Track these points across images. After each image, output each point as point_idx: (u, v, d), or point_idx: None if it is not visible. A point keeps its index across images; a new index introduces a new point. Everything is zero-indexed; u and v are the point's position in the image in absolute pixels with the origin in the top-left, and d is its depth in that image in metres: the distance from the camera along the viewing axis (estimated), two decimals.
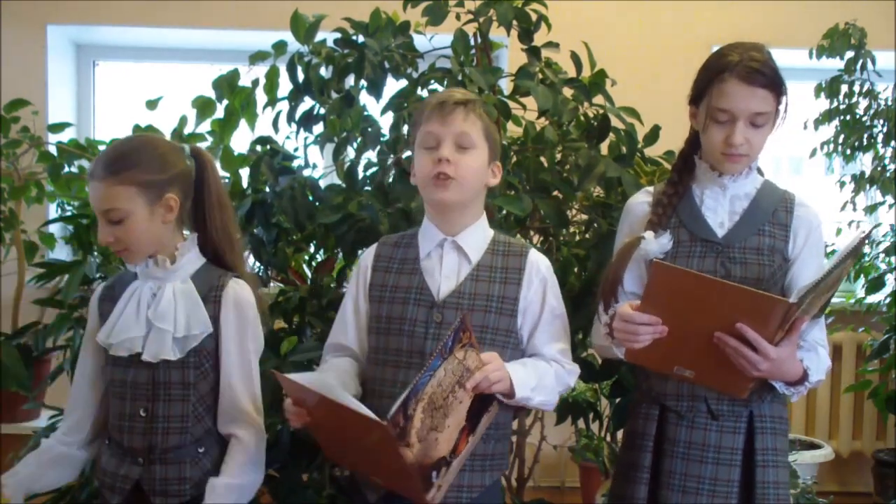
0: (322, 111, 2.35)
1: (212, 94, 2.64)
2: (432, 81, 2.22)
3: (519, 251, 1.72)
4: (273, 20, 3.40)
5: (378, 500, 1.66)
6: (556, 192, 2.21)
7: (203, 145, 2.71)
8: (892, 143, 3.36)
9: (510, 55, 3.03)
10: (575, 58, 2.25)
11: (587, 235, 2.31)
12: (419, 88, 2.23)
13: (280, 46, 2.48)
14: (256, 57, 2.47)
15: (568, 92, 2.21)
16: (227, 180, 2.55)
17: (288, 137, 2.42)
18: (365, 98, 2.30)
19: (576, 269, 2.19)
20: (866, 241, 2.92)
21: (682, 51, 3.65)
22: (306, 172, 2.38)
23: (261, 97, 2.61)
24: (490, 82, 2.12)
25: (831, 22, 3.34)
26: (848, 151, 3.42)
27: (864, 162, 3.46)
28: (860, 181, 3.44)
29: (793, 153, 4.12)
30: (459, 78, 2.14)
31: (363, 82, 2.24)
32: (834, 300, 1.95)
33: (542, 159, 2.21)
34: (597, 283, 1.90)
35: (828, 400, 3.96)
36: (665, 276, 1.57)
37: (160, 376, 1.62)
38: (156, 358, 1.61)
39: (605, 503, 2.90)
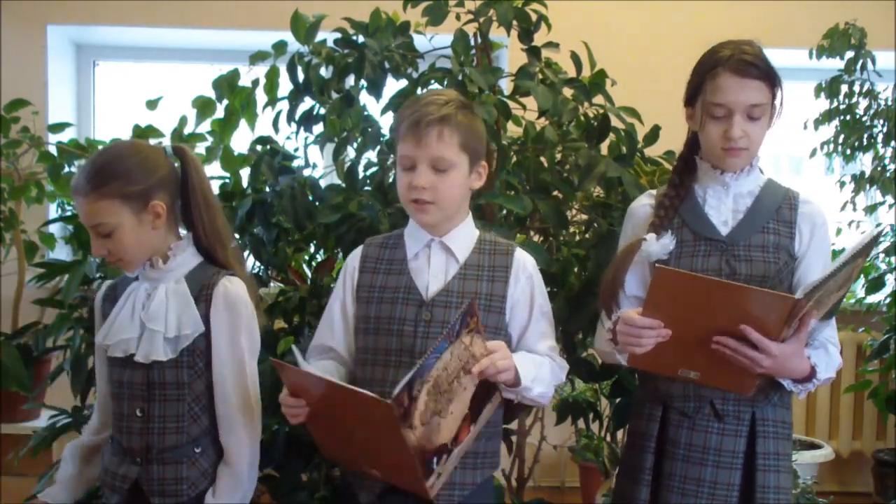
0: (322, 111, 2.35)
1: (212, 94, 2.64)
2: (432, 81, 2.21)
3: (505, 250, 1.72)
4: (273, 20, 3.40)
5: (372, 501, 1.65)
6: (556, 192, 2.21)
7: (203, 145, 2.73)
8: (892, 143, 3.35)
9: (510, 55, 3.02)
10: (575, 58, 2.25)
11: (587, 235, 2.30)
12: (419, 88, 2.22)
13: (280, 46, 2.48)
14: (256, 57, 2.47)
15: (568, 92, 2.21)
16: (227, 180, 2.56)
17: (288, 137, 2.42)
18: (365, 98, 2.29)
19: (576, 269, 2.18)
20: (878, 241, 2.92)
21: (683, 51, 3.58)
22: (306, 172, 2.38)
23: (261, 97, 2.61)
24: (490, 82, 2.12)
25: (831, 22, 3.34)
26: (848, 151, 3.42)
27: (864, 162, 3.46)
28: (860, 181, 3.43)
29: (793, 153, 4.12)
30: (459, 78, 2.13)
31: (363, 82, 2.24)
32: None
33: (542, 159, 2.21)
34: (597, 283, 1.89)
35: (828, 400, 3.96)
36: (667, 279, 1.56)
37: (154, 377, 1.61)
38: (147, 359, 1.60)
39: (605, 503, 2.91)
